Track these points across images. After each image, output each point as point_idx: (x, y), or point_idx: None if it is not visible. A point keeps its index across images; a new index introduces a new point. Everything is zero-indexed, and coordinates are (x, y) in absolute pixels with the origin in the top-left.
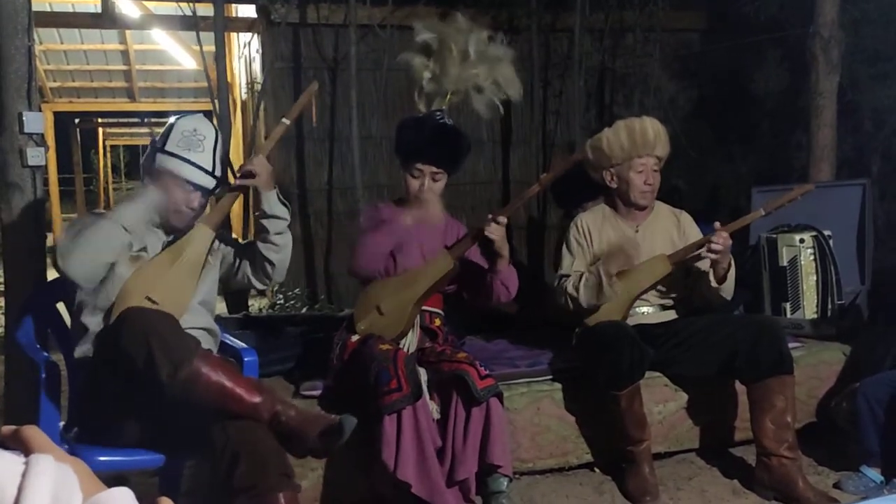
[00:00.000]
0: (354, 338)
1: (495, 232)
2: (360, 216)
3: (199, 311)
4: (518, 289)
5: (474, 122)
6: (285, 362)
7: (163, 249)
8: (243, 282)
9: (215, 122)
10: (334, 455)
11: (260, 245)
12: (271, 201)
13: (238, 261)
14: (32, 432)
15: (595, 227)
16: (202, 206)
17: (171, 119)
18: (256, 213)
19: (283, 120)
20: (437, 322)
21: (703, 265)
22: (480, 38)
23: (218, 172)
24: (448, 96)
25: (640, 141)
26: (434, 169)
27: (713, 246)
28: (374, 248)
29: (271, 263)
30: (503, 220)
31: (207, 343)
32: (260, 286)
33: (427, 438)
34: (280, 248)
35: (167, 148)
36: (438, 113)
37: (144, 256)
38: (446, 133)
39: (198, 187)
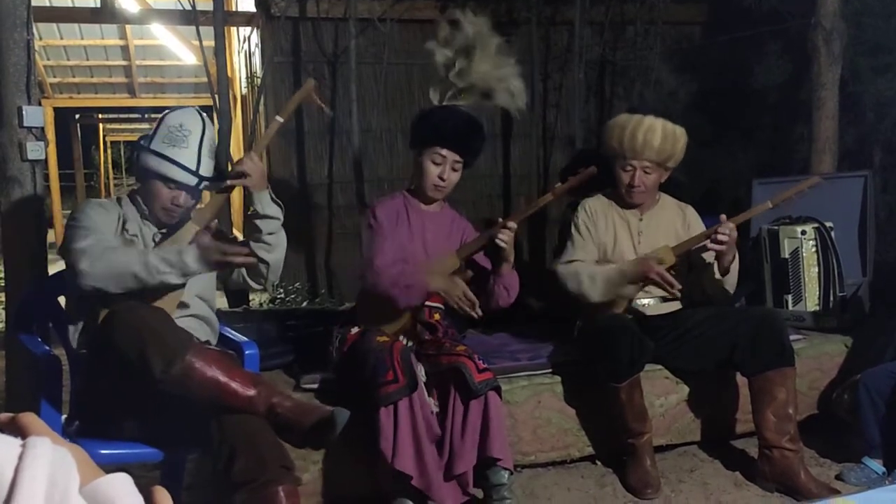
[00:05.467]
0: (354, 330)
1: (506, 238)
2: (368, 220)
3: (194, 302)
4: (519, 282)
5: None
6: (286, 356)
7: (154, 244)
8: (239, 281)
9: (216, 117)
10: (334, 448)
11: (253, 245)
12: (263, 201)
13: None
14: (30, 419)
15: (601, 212)
16: (190, 203)
17: (162, 114)
18: (249, 213)
19: (277, 118)
20: (437, 316)
21: (708, 257)
22: (500, 43)
23: (203, 170)
24: (461, 94)
25: (627, 142)
26: (456, 157)
27: (719, 237)
28: (391, 265)
29: (265, 263)
30: (514, 225)
31: (204, 332)
32: (255, 286)
33: (424, 430)
34: (273, 248)
35: (152, 146)
36: (462, 106)
37: (137, 242)
38: (474, 124)
39: (181, 185)
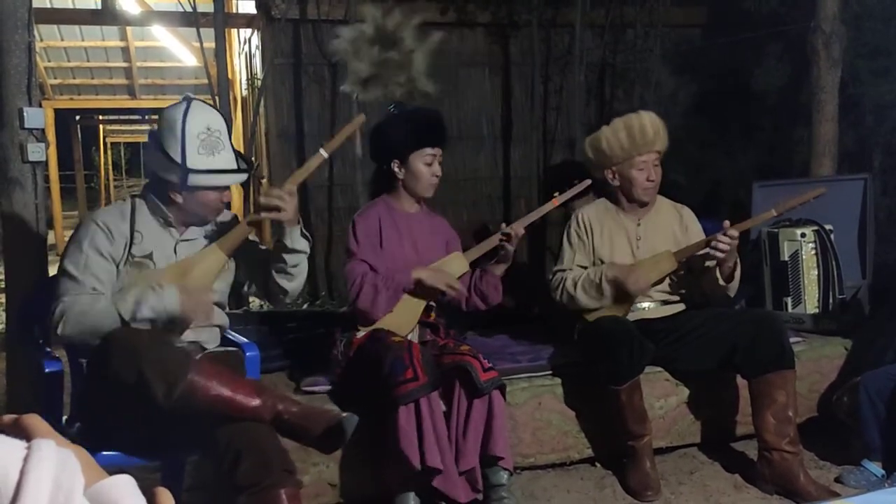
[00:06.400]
0: (360, 333)
1: (512, 244)
2: (349, 236)
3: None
4: (519, 284)
5: (474, 117)
6: (286, 358)
7: (175, 254)
8: (254, 295)
9: None
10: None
11: (274, 273)
12: (294, 236)
13: (249, 281)
14: (34, 420)
15: (597, 221)
16: (230, 196)
17: (175, 121)
18: (275, 243)
19: (321, 151)
20: (432, 315)
21: (709, 261)
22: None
23: (243, 164)
24: (395, 87)
25: (639, 139)
26: (440, 150)
27: (720, 245)
28: (389, 296)
29: (283, 290)
30: (520, 230)
31: (215, 338)
32: (270, 304)
33: (442, 428)
34: (294, 278)
35: (191, 164)
36: (400, 103)
37: (148, 264)
38: (438, 113)
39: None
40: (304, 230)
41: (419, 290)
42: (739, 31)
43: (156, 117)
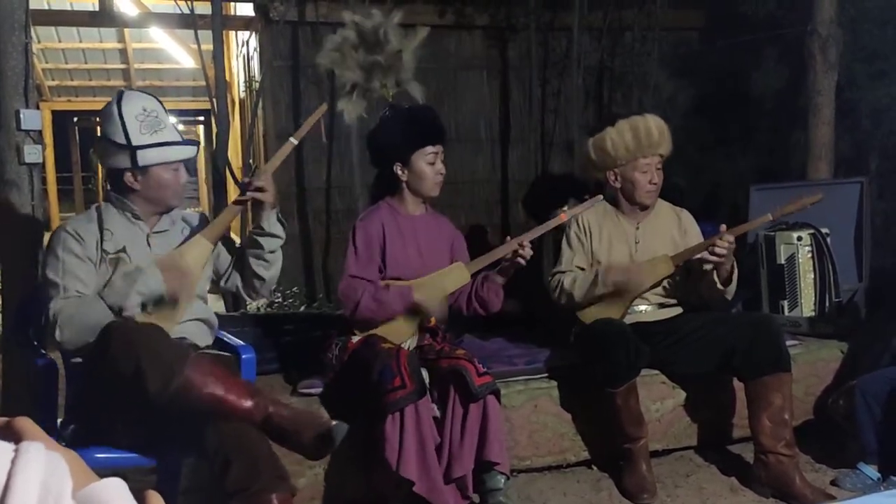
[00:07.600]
0: (355, 338)
1: (514, 258)
2: (351, 239)
3: (195, 304)
4: (516, 287)
5: (472, 120)
6: (283, 360)
7: (149, 246)
8: (231, 289)
9: (213, 120)
10: (332, 454)
11: (251, 260)
12: (271, 220)
13: (229, 270)
14: (24, 423)
15: (596, 223)
16: (187, 177)
17: (111, 110)
18: (252, 230)
19: (291, 139)
20: (433, 320)
21: (706, 266)
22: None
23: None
24: (386, 91)
25: (645, 141)
26: (441, 147)
27: (717, 249)
28: (392, 303)
29: (260, 279)
30: (529, 249)
31: (204, 336)
32: (248, 299)
33: (428, 436)
34: (270, 265)
35: (137, 142)
36: (394, 106)
37: (124, 258)
38: (433, 110)
39: (183, 162)
40: (280, 216)
41: (415, 310)
42: (737, 34)
43: None
